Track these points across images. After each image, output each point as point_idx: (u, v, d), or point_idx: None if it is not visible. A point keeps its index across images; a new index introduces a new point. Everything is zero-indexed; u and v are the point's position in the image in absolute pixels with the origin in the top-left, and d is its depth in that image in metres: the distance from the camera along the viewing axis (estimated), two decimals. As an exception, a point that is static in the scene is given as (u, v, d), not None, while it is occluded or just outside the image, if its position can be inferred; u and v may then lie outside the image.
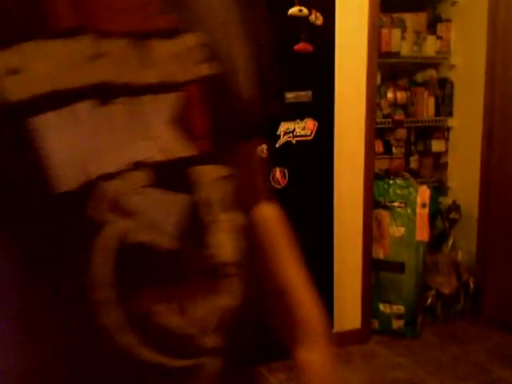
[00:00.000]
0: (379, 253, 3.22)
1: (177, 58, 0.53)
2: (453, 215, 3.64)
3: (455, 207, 3.66)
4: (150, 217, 0.50)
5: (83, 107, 0.48)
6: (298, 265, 0.78)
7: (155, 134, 0.51)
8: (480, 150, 3.45)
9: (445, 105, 3.72)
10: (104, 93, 0.49)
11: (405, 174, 3.38)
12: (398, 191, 3.22)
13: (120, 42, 0.50)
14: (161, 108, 0.51)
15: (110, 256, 0.49)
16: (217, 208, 0.55)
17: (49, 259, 0.49)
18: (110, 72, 0.49)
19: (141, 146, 0.50)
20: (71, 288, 0.49)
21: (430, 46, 3.63)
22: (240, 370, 0.61)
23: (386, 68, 3.54)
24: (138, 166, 0.50)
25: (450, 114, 3.73)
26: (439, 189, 3.71)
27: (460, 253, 3.52)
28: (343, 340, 3.06)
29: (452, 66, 3.71)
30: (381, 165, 3.50)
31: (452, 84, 3.71)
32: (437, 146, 3.74)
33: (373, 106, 3.08)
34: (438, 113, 3.71)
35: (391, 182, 3.27)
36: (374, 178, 3.16)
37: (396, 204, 3.21)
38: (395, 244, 3.19)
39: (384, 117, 3.49)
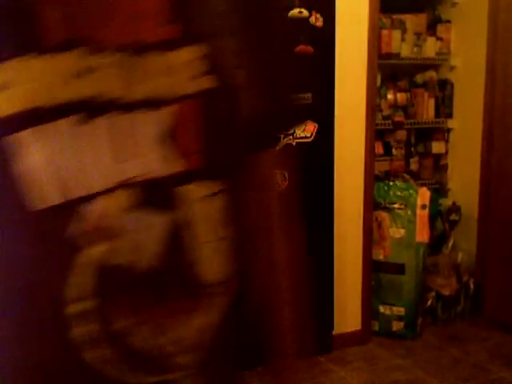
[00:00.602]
0: (379, 254, 3.22)
1: (174, 71, 0.51)
2: (453, 217, 3.64)
3: (455, 209, 3.66)
4: (132, 238, 0.49)
5: (65, 124, 0.47)
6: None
7: (142, 151, 0.49)
8: (480, 151, 3.45)
9: (445, 106, 3.72)
10: (89, 109, 0.47)
11: (405, 175, 3.38)
12: (398, 193, 3.23)
13: (112, 56, 0.48)
14: (150, 124, 0.50)
15: (87, 275, 0.48)
16: (204, 226, 0.54)
17: (25, 273, 0.49)
18: (97, 88, 0.48)
19: (126, 165, 0.49)
20: (46, 302, 0.49)
21: (430, 47, 3.63)
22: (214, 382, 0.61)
23: (386, 69, 3.54)
24: (122, 185, 0.48)
25: (450, 116, 3.73)
26: (439, 190, 3.71)
27: (460, 254, 3.52)
28: (343, 341, 3.06)
29: (452, 68, 3.71)
30: (381, 167, 3.50)
31: (452, 85, 3.71)
32: (437, 147, 3.74)
33: (373, 107, 3.08)
34: (438, 114, 3.71)
35: (391, 183, 3.27)
36: (374, 180, 3.16)
37: (396, 205, 3.21)
38: (395, 245, 3.19)
39: (384, 118, 3.49)
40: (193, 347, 0.54)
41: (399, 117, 3.52)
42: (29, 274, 0.49)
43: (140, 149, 0.49)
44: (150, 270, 0.50)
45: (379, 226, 3.23)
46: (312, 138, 2.74)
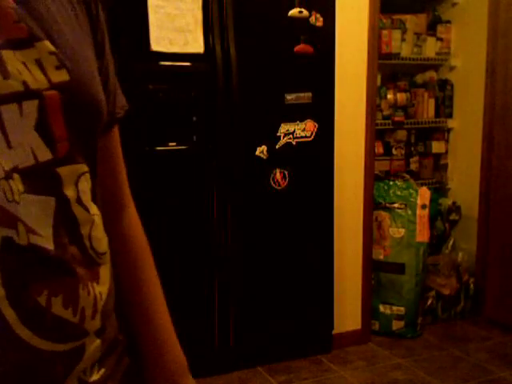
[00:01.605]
0: (379, 254, 3.23)
1: (32, 66, 0.56)
2: (453, 216, 3.65)
3: (455, 208, 3.66)
4: (28, 222, 0.54)
5: None
6: (159, 288, 0.83)
7: (21, 141, 0.54)
8: (480, 151, 3.46)
9: (445, 106, 3.73)
10: None
11: (405, 175, 3.38)
12: (398, 192, 3.23)
13: None
14: (24, 116, 0.54)
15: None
16: (86, 204, 0.61)
17: None
18: None
19: (8, 155, 0.53)
20: None
21: (430, 47, 3.64)
22: (114, 347, 0.67)
23: (386, 69, 3.55)
24: (8, 174, 0.53)
25: (450, 116, 3.74)
26: (439, 190, 3.72)
27: (460, 254, 3.52)
28: (343, 341, 3.07)
29: (452, 68, 3.72)
30: (381, 166, 3.50)
31: (452, 85, 3.72)
32: (437, 147, 3.74)
33: (373, 107, 3.08)
34: (438, 114, 3.72)
35: (391, 183, 3.27)
36: (374, 180, 3.17)
37: (396, 205, 3.21)
38: (395, 245, 3.20)
39: (384, 118, 3.50)
40: (92, 314, 0.60)
41: (399, 117, 3.53)
42: None
43: (19, 139, 0.54)
44: (49, 248, 0.55)
45: (379, 225, 3.24)
46: (312, 137, 2.75)
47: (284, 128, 2.68)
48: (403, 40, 3.50)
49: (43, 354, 0.55)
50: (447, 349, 3.08)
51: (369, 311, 3.19)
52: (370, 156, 3.10)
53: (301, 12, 2.63)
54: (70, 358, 0.58)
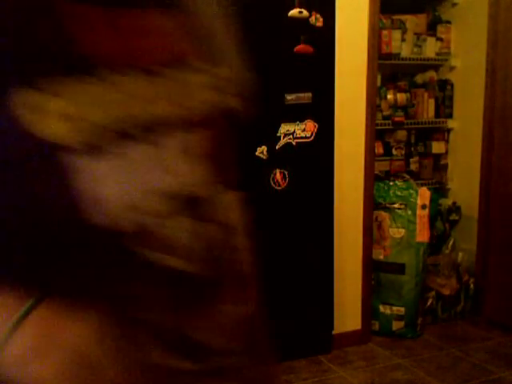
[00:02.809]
0: (379, 254, 3.23)
1: (204, 90, 0.53)
2: (453, 216, 3.65)
3: (455, 208, 3.66)
4: (186, 249, 0.52)
5: (130, 146, 0.47)
6: None
7: (179, 167, 0.51)
8: (480, 151, 3.46)
9: (445, 106, 3.73)
10: (154, 130, 0.48)
11: (405, 175, 3.38)
12: (398, 193, 3.23)
13: (140, 76, 0.49)
14: (184, 141, 0.51)
15: (148, 285, 0.50)
16: (238, 229, 0.60)
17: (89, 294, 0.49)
18: (152, 109, 0.49)
19: (170, 180, 0.50)
20: (123, 317, 0.50)
21: (430, 47, 3.63)
22: (255, 368, 0.64)
23: (386, 69, 3.54)
24: (170, 199, 0.50)
25: (450, 116, 3.74)
26: (439, 190, 3.72)
27: (460, 254, 3.52)
28: (343, 341, 3.07)
29: (452, 68, 3.72)
30: (381, 167, 3.50)
31: (452, 85, 3.72)
32: (437, 147, 3.74)
33: (373, 107, 3.08)
34: (438, 114, 3.72)
35: (391, 183, 3.27)
36: (374, 180, 3.17)
37: (396, 205, 3.21)
38: (395, 245, 3.20)
39: (384, 118, 3.50)
40: (236, 336, 0.58)
41: (399, 117, 3.52)
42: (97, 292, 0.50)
43: (177, 164, 0.51)
44: (202, 274, 0.53)
45: (379, 225, 3.24)
46: (312, 137, 2.75)
47: (284, 128, 2.68)
48: (403, 40, 3.50)
49: (180, 372, 0.53)
50: (447, 349, 3.08)
51: (369, 311, 3.19)
52: (370, 156, 3.10)
53: (301, 12, 2.63)
54: (209, 378, 0.55)
